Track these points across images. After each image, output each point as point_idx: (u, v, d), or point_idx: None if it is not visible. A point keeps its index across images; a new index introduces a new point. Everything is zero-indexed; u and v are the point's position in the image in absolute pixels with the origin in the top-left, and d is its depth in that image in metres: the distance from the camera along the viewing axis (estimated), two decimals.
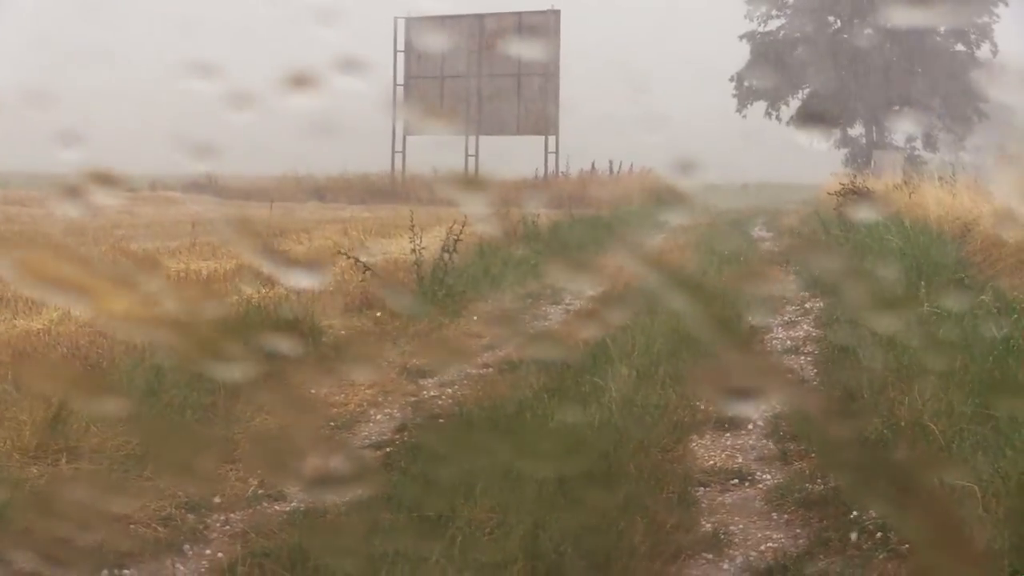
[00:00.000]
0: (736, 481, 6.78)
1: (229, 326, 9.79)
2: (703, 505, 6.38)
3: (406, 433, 7.80)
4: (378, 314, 11.94)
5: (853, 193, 23.16)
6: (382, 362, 9.88)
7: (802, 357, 10.52)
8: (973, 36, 51.61)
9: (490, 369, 9.90)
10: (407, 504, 5.82)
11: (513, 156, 42.19)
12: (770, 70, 52.13)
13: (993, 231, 16.07)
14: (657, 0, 66.69)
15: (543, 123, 42.11)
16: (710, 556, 5.57)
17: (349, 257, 13.09)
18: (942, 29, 51.71)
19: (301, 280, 11.61)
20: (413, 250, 13.05)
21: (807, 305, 13.34)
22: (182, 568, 5.39)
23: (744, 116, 53.26)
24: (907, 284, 11.79)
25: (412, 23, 43.95)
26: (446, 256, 13.26)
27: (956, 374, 7.68)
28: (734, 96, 54.03)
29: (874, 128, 53.38)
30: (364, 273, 12.83)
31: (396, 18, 43.79)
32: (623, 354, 9.22)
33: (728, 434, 7.77)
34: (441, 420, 8.00)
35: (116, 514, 5.83)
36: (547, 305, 13.80)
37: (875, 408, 7.45)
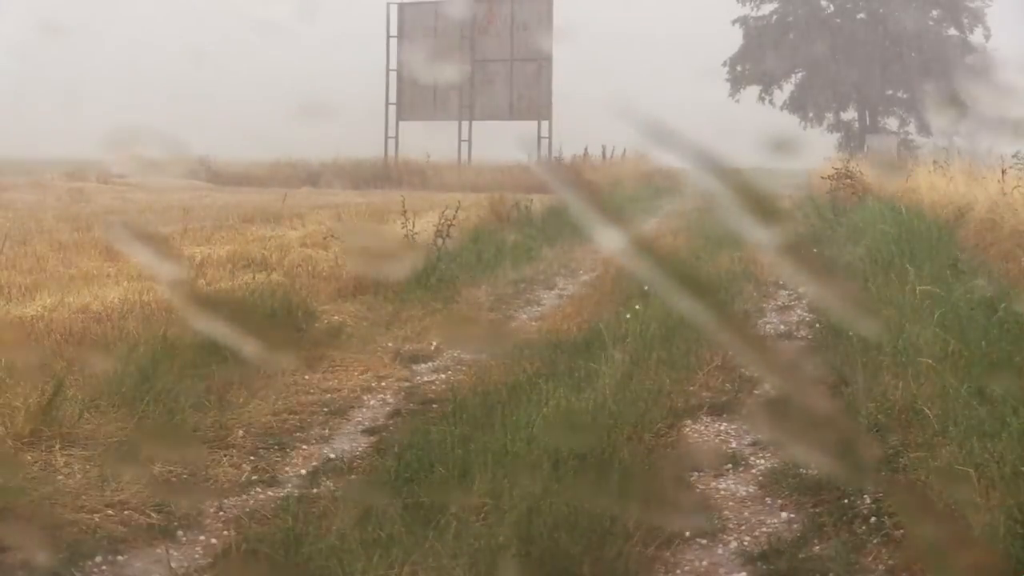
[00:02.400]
0: (730, 466, 6.78)
1: (222, 311, 9.76)
2: (697, 490, 6.38)
3: (399, 418, 7.80)
4: (371, 299, 11.90)
5: (846, 178, 23.23)
6: (375, 347, 9.87)
7: (796, 342, 10.52)
8: (966, 20, 51.59)
9: (483, 355, 9.88)
10: (400, 490, 5.81)
11: (506, 142, 42.14)
12: (763, 55, 52.17)
13: (987, 216, 16.08)
14: None
15: (536, 108, 42.06)
16: (704, 541, 5.57)
17: (342, 242, 13.06)
18: (934, 13, 51.75)
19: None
20: (406, 235, 13.01)
21: (800, 290, 13.33)
22: (175, 554, 5.38)
23: (737, 101, 53.38)
24: (900, 269, 11.78)
25: (405, 8, 43.87)
26: (439, 241, 13.22)
27: (950, 358, 7.68)
28: (727, 81, 54.07)
29: (867, 112, 53.42)
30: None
31: (389, 3, 43.75)
32: (616, 339, 9.21)
33: (722, 419, 7.77)
34: (435, 405, 7.99)
35: (110, 500, 5.82)
36: (540, 290, 13.79)
37: (869, 392, 7.44)
